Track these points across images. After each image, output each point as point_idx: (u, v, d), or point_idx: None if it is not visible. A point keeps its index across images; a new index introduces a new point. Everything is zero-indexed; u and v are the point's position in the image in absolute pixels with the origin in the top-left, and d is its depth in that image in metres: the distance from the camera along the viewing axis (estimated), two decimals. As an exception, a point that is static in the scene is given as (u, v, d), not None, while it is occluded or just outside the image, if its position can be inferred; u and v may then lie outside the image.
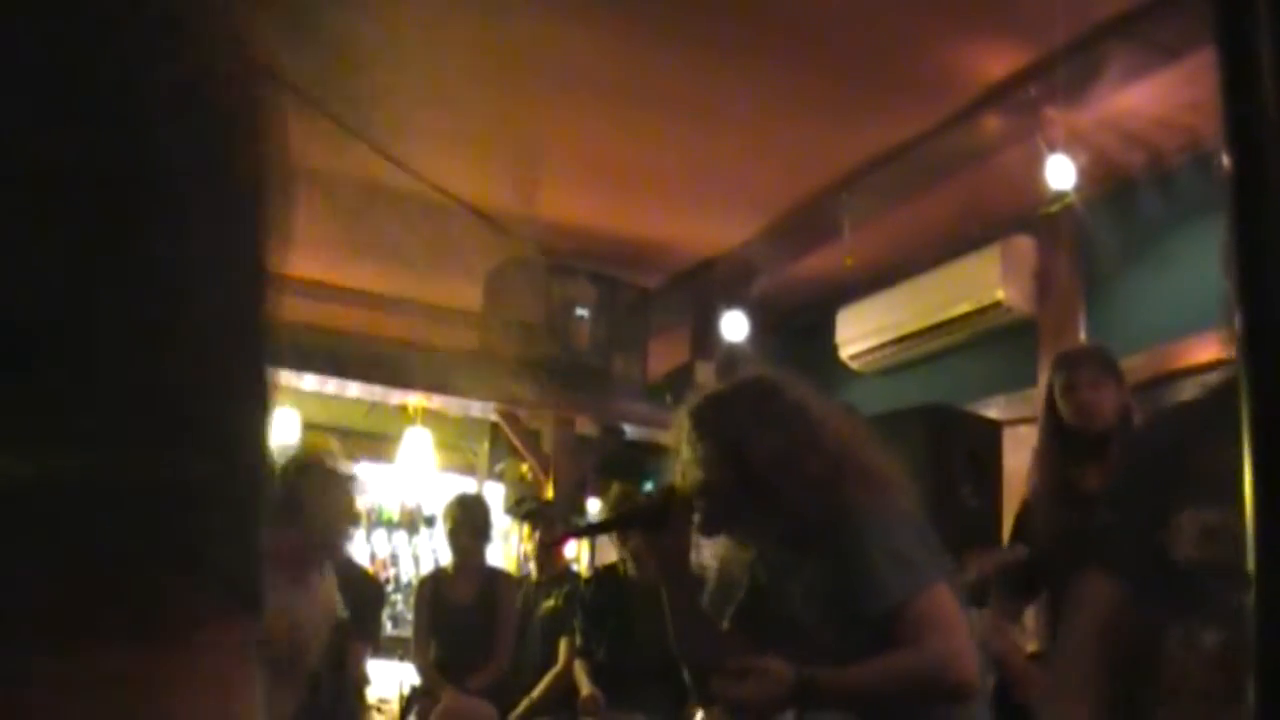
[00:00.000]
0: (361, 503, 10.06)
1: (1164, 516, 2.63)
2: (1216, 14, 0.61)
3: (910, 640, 2.85)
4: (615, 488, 7.19)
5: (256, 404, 0.64)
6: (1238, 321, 0.59)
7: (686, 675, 3.29)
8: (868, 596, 2.89)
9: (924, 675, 2.89)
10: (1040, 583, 5.10)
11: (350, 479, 5.25)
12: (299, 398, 9.78)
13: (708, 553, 3.35)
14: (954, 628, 2.88)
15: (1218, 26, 0.61)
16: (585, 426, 9.54)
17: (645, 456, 10.56)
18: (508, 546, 10.22)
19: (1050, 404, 5.10)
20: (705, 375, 9.07)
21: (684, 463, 3.19)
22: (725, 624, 3.26)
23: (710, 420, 3.18)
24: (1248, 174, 0.59)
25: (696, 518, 3.13)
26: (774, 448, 3.04)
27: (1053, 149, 6.19)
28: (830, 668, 2.89)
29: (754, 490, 3.03)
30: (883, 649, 2.87)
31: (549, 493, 9.15)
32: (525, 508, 8.37)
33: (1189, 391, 3.09)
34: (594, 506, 9.05)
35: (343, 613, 5.94)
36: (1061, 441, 5.06)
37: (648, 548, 3.35)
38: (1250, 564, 0.60)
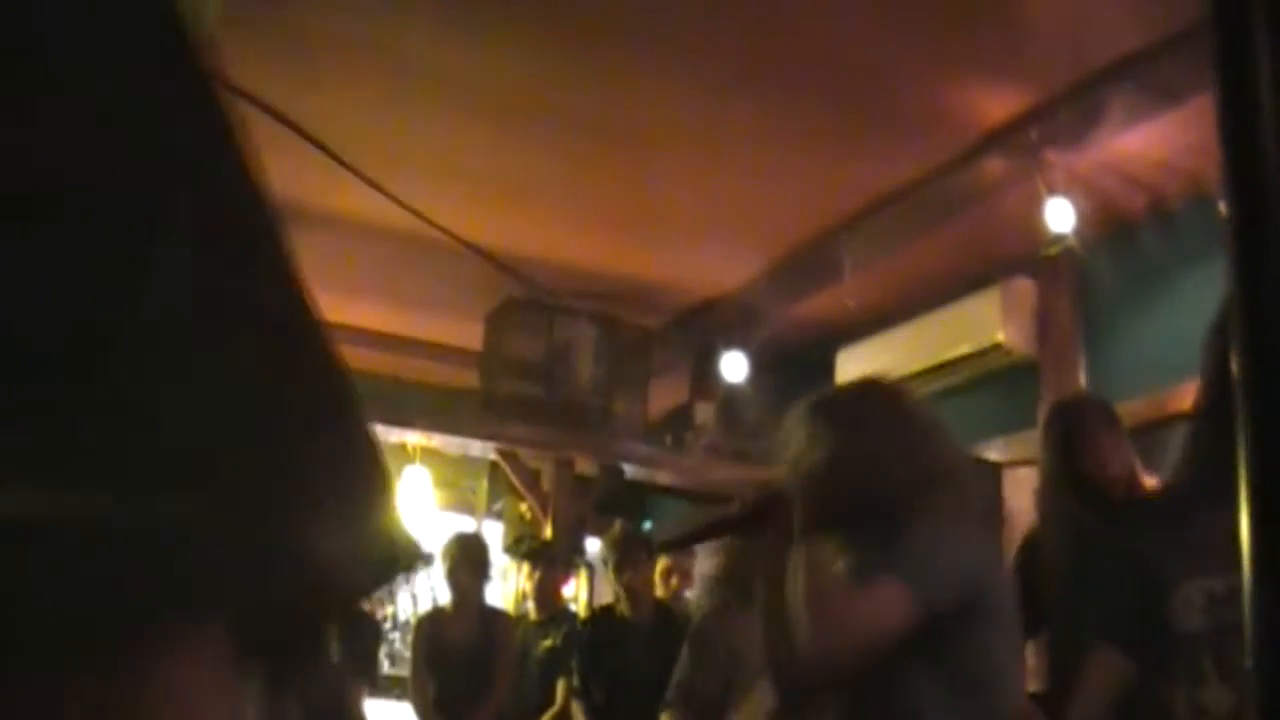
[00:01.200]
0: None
1: (1168, 589, 2.63)
2: (1216, 57, 0.61)
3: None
4: (616, 527, 7.19)
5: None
6: (1238, 367, 0.58)
7: (772, 685, 3.24)
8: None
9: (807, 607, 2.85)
10: (1044, 622, 5.09)
11: None
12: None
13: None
14: (869, 605, 2.83)
15: (1217, 69, 0.61)
16: (585, 466, 9.52)
17: (645, 496, 10.55)
18: (506, 586, 10.18)
19: (1058, 447, 5.13)
20: (705, 415, 9.07)
21: (795, 462, 3.12)
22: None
23: (835, 421, 3.14)
24: (1249, 216, 0.59)
25: (800, 519, 3.06)
26: (875, 451, 3.01)
27: (1053, 191, 6.20)
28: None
29: (860, 494, 2.99)
30: (926, 658, 2.83)
31: (548, 532, 9.13)
32: (524, 547, 8.36)
33: (1178, 456, 3.07)
34: (593, 546, 9.02)
35: (340, 652, 5.95)
36: (1069, 484, 5.08)
37: (746, 553, 3.28)
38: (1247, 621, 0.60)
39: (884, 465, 3.00)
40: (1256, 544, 0.59)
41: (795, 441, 3.13)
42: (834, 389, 3.35)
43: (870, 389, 3.32)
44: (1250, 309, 0.60)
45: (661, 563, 7.50)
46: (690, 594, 7.35)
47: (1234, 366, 0.61)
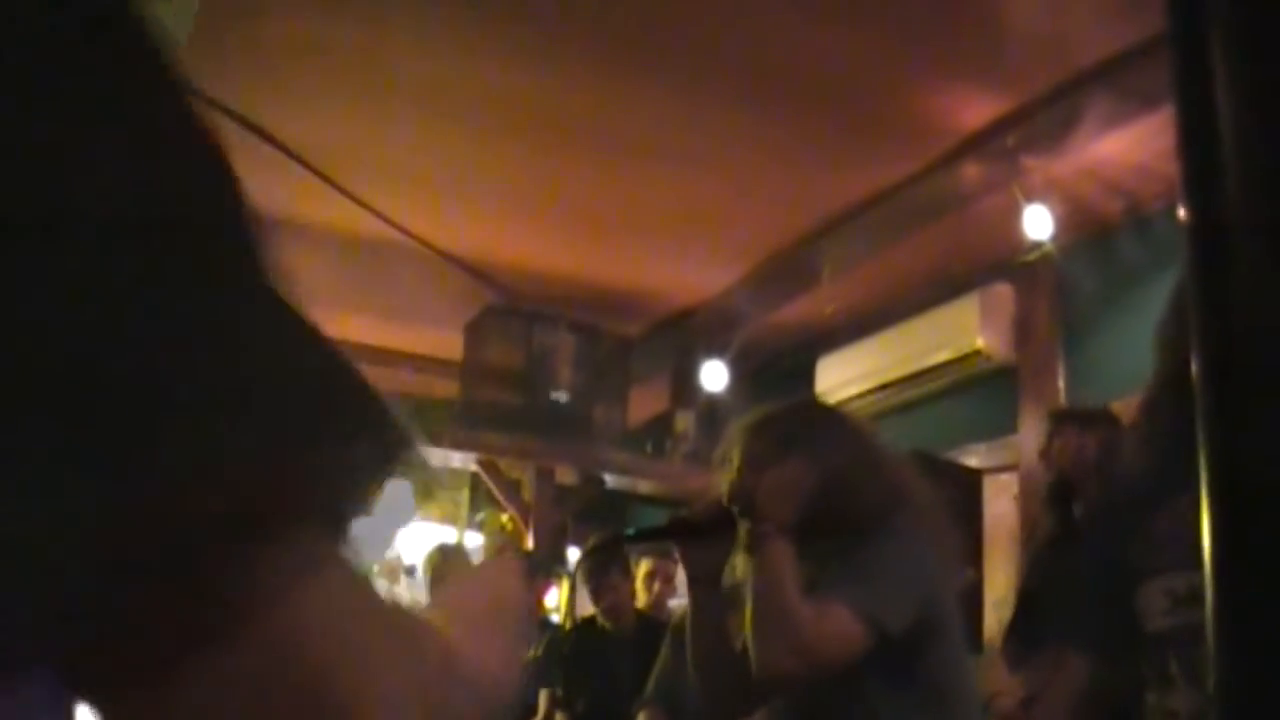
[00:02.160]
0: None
1: (1133, 587, 2.63)
2: (1174, 68, 0.61)
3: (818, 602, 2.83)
4: (588, 546, 7.18)
5: None
6: (1195, 370, 0.58)
7: (700, 696, 3.25)
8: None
9: (778, 617, 2.85)
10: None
11: None
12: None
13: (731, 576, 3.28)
14: (829, 630, 2.83)
15: (1175, 80, 0.61)
16: (565, 475, 9.51)
17: (626, 505, 10.55)
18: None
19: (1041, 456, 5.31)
20: (685, 424, 9.07)
21: (737, 477, 3.12)
22: (739, 646, 3.21)
23: (782, 431, 3.14)
24: (1205, 225, 0.59)
25: (745, 533, 3.06)
26: (839, 466, 3.02)
27: (1030, 197, 6.22)
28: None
29: (813, 507, 2.99)
30: (888, 672, 2.84)
31: (529, 542, 9.12)
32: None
33: (1137, 451, 3.08)
34: (574, 555, 9.01)
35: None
36: (1047, 494, 5.19)
37: (684, 560, 3.28)
38: (1209, 618, 0.60)
39: (844, 480, 3.00)
40: (1216, 544, 0.59)
41: (741, 456, 3.14)
42: (779, 407, 3.33)
43: (818, 407, 3.34)
44: (1207, 313, 0.60)
45: (644, 567, 7.50)
46: (674, 603, 7.34)
47: (1186, 363, 0.61)
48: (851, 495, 2.99)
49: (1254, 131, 0.59)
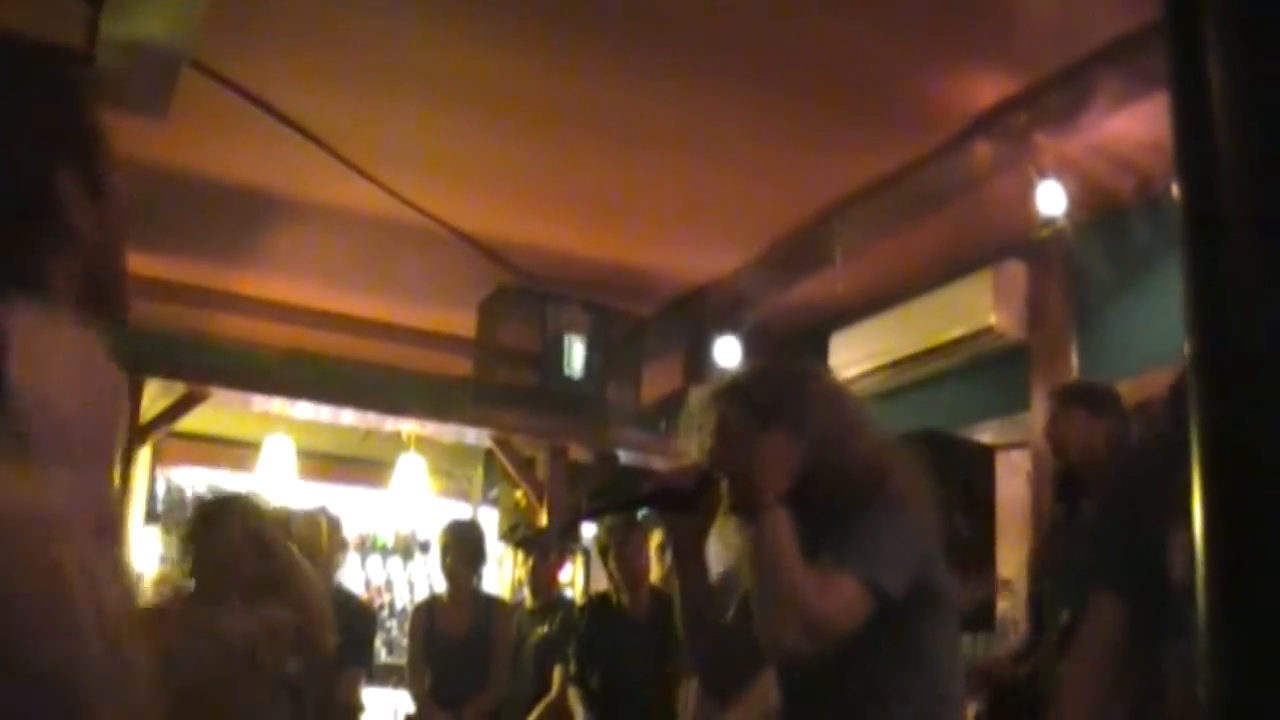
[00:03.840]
0: (354, 530, 10.07)
1: (1161, 538, 2.65)
2: (1168, 53, 0.62)
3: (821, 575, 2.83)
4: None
5: None
6: (1187, 348, 0.60)
7: (692, 665, 3.25)
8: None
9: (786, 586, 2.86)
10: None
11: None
12: (293, 425, 9.79)
13: (719, 543, 3.26)
14: (835, 602, 2.84)
15: (1169, 65, 0.62)
16: (579, 453, 9.54)
17: (639, 483, 10.55)
18: (503, 573, 10.21)
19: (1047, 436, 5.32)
20: (699, 401, 9.07)
21: (715, 442, 3.11)
22: (730, 616, 3.22)
23: (758, 398, 3.12)
24: (1200, 208, 0.60)
25: (728, 500, 3.06)
26: (826, 434, 3.01)
27: (1043, 175, 6.21)
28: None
29: (802, 476, 2.98)
30: (884, 637, 2.86)
31: (543, 519, 9.15)
32: (519, 535, 8.37)
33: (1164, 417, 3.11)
34: (588, 532, 9.05)
35: (335, 640, 5.97)
36: (1056, 483, 5.22)
37: (666, 528, 3.27)
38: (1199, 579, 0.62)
39: (831, 449, 3.00)
40: (1207, 516, 0.61)
41: (715, 423, 3.12)
42: (749, 373, 3.29)
43: (791, 373, 3.29)
44: (1200, 295, 0.62)
45: (656, 538, 7.53)
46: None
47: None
48: (840, 463, 2.98)
49: (1248, 119, 0.60)
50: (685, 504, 3.13)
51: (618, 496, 3.89)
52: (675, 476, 3.19)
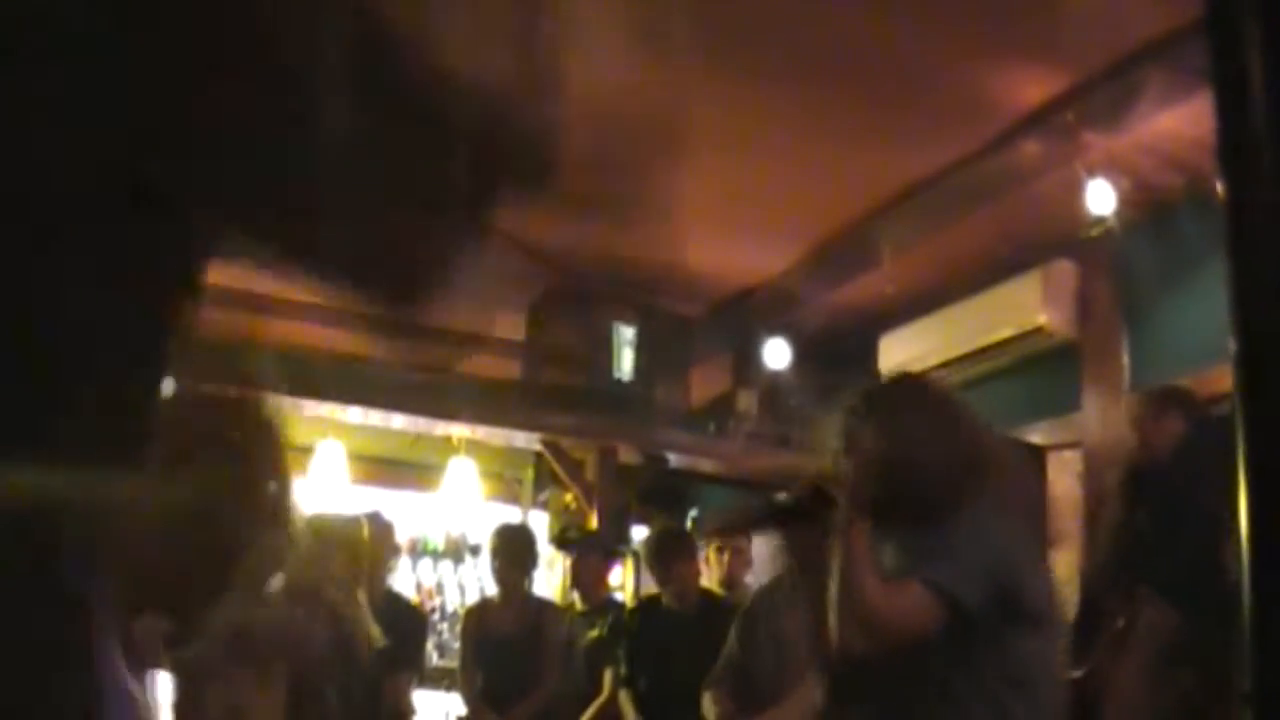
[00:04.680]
0: (405, 534, 10.10)
1: (1222, 539, 2.64)
2: (1210, 49, 0.62)
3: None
4: (651, 533, 7.20)
5: None
6: (1233, 343, 0.60)
7: (817, 673, 3.27)
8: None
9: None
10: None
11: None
12: (344, 430, 9.82)
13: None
14: (898, 607, 2.85)
15: (1211, 61, 0.62)
16: (628, 455, 9.54)
17: (688, 485, 10.56)
18: (553, 576, 10.22)
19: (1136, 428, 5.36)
20: (747, 403, 9.08)
21: (837, 458, 3.15)
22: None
23: (866, 417, 3.17)
24: (1243, 201, 0.60)
25: (842, 514, 3.08)
26: (916, 448, 3.03)
27: (1092, 173, 6.19)
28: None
29: (900, 488, 3.01)
30: (963, 650, 2.86)
31: (593, 522, 9.15)
32: (569, 537, 8.38)
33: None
34: (638, 535, 9.06)
35: (383, 642, 6.00)
36: (1128, 475, 5.22)
37: (787, 545, 3.30)
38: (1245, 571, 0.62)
39: (923, 460, 3.01)
40: (1253, 525, 0.61)
41: (838, 435, 3.16)
42: (875, 384, 3.36)
43: (910, 384, 3.34)
44: (1244, 289, 0.62)
45: (714, 541, 7.52)
46: (750, 578, 7.36)
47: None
48: (928, 475, 3.00)
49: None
50: (800, 517, 3.18)
51: (740, 516, 4.04)
52: (795, 493, 3.24)
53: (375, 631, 6.02)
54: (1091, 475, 6.56)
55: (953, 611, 2.82)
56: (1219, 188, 0.64)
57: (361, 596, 6.02)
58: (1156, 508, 4.77)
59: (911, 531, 2.98)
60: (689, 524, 10.33)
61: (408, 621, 6.81)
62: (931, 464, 3.02)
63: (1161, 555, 3.35)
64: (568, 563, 8.30)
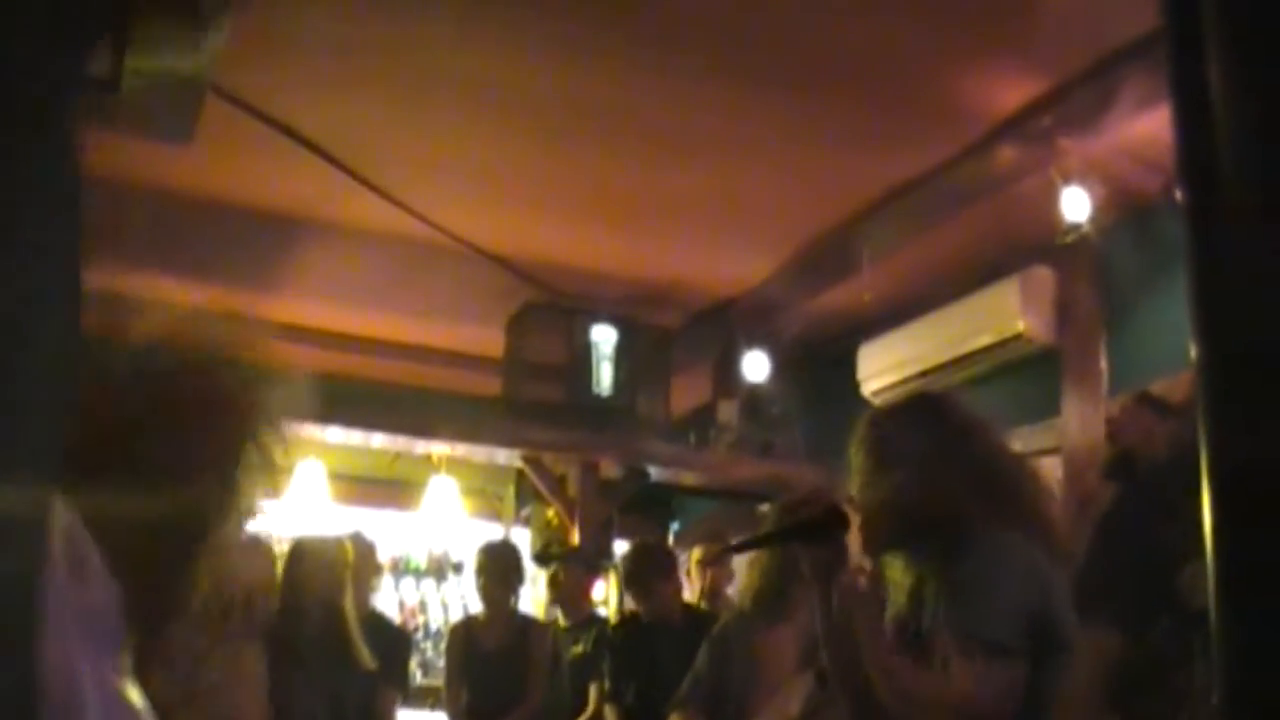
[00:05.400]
0: (387, 552, 10.08)
1: (1175, 567, 2.63)
2: (1169, 56, 0.61)
3: (942, 670, 2.83)
4: (628, 553, 7.20)
5: None
6: (1194, 352, 0.59)
7: (835, 690, 3.26)
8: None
9: (920, 700, 2.87)
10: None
11: None
12: (324, 449, 9.79)
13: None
14: (976, 701, 2.83)
15: (1171, 68, 0.61)
16: (609, 469, 9.53)
17: (670, 497, 10.55)
18: (537, 591, 10.20)
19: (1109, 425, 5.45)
20: (728, 413, 9.07)
21: (858, 478, 3.16)
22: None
23: (879, 443, 3.16)
24: (1202, 209, 0.59)
25: (861, 535, 3.09)
26: (933, 472, 3.03)
27: (1068, 179, 6.19)
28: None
29: (918, 512, 3.00)
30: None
31: (575, 537, 9.14)
32: (551, 553, 8.37)
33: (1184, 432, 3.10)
34: (620, 549, 9.04)
35: (374, 665, 6.02)
36: (1109, 465, 5.29)
37: (805, 562, 3.29)
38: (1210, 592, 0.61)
39: (944, 486, 3.00)
40: (1217, 521, 0.59)
41: (853, 458, 3.16)
42: (884, 408, 3.36)
43: (915, 406, 3.33)
44: (1204, 298, 0.60)
45: (695, 553, 7.52)
46: (730, 589, 7.36)
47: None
48: (947, 501, 2.99)
49: (1249, 117, 0.59)
50: (815, 535, 3.17)
51: (756, 535, 4.04)
52: (808, 512, 3.25)
53: (365, 655, 6.04)
54: (1072, 481, 6.55)
55: (1000, 654, 2.81)
56: (1177, 194, 0.63)
57: (351, 618, 6.05)
58: (1112, 523, 4.81)
59: (935, 557, 2.96)
60: (670, 538, 10.34)
61: (391, 641, 6.79)
62: (950, 485, 3.01)
63: (1110, 576, 3.35)
64: (549, 577, 8.28)
